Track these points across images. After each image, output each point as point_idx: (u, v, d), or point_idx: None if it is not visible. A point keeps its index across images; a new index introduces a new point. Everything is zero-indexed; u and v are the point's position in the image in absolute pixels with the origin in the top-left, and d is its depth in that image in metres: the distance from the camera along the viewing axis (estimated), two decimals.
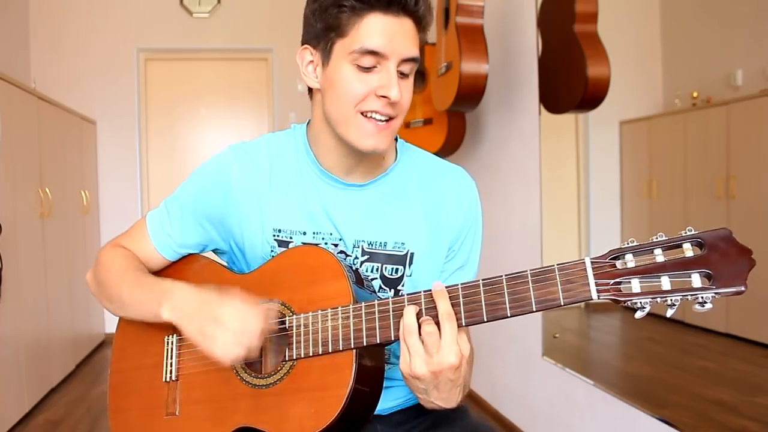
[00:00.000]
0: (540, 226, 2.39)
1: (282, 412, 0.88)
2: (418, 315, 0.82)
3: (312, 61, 0.97)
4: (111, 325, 4.37)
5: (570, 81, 2.07)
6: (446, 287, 0.82)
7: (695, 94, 1.86)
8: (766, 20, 1.63)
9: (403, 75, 0.92)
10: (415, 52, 0.91)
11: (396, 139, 1.08)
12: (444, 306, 0.80)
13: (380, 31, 0.88)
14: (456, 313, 0.80)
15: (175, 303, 0.92)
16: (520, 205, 2.56)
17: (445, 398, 0.85)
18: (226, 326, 0.86)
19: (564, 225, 2.44)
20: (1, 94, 2.68)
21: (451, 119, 2.77)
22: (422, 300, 0.83)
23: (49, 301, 3.22)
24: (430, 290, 0.83)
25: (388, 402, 1.03)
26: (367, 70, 0.90)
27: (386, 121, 0.92)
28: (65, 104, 3.70)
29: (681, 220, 1.97)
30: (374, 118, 0.91)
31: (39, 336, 3.05)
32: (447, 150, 2.85)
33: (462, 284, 0.81)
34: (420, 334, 0.80)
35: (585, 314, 2.53)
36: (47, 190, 3.17)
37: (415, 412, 1.06)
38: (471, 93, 2.36)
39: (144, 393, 1.02)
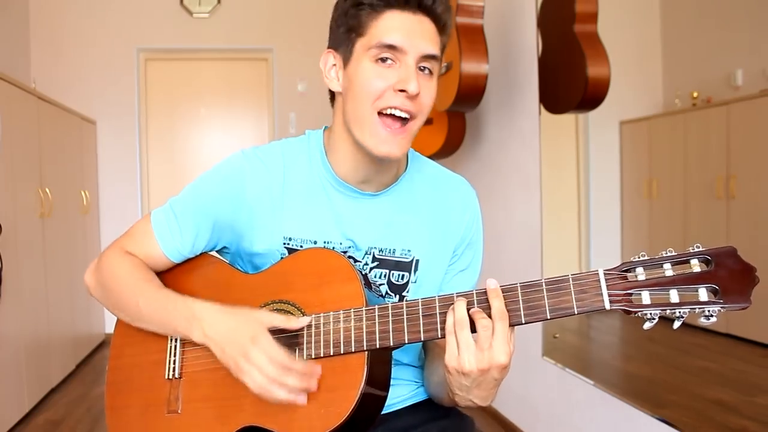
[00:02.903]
0: (540, 226, 2.39)
1: (290, 411, 0.87)
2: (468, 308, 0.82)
3: (335, 65, 0.98)
4: (111, 325, 4.32)
5: (570, 81, 2.07)
6: (459, 294, 0.83)
7: (695, 94, 1.86)
8: (766, 20, 1.63)
9: (423, 72, 0.93)
10: (433, 49, 0.92)
11: None
12: (498, 305, 0.80)
13: (398, 27, 0.90)
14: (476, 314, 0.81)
15: (206, 328, 0.91)
16: (521, 205, 2.56)
17: (484, 396, 0.85)
18: (259, 366, 0.86)
19: (564, 225, 2.44)
20: (1, 94, 2.68)
21: (451, 119, 2.77)
22: (437, 303, 0.84)
23: (49, 301, 3.22)
24: (451, 294, 0.83)
25: (389, 400, 1.03)
26: (386, 65, 0.91)
27: (403, 122, 0.92)
28: (65, 104, 3.69)
29: (681, 221, 1.97)
30: (392, 115, 0.91)
31: (39, 336, 3.05)
32: (447, 150, 2.85)
33: (476, 290, 0.83)
34: (472, 329, 0.80)
35: (585, 315, 2.52)
36: (47, 190, 3.17)
37: (416, 414, 1.06)
38: (471, 93, 2.36)
39: (144, 390, 1.01)
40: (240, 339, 0.88)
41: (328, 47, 0.99)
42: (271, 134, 4.69)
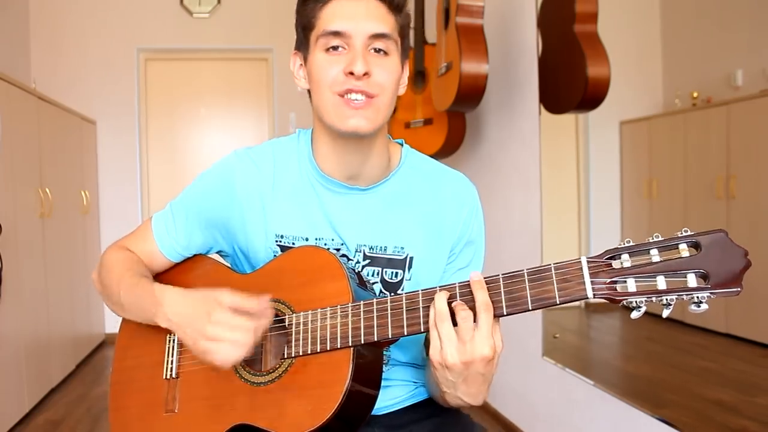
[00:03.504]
0: (540, 227, 2.39)
1: (279, 409, 0.88)
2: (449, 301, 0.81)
3: (301, 65, 1.01)
4: (111, 325, 4.37)
5: (570, 81, 2.07)
6: (441, 287, 0.83)
7: (695, 94, 1.86)
8: (766, 20, 1.63)
9: (378, 53, 0.93)
10: (382, 28, 0.92)
11: (402, 144, 1.08)
12: (482, 296, 0.79)
13: (341, 13, 0.92)
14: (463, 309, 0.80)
15: (168, 312, 0.93)
16: (521, 205, 2.56)
17: (473, 393, 0.85)
18: (219, 337, 0.86)
19: (564, 225, 2.44)
20: (1, 94, 2.68)
21: (451, 119, 2.77)
22: (420, 297, 0.84)
23: (49, 301, 3.22)
24: (434, 288, 0.83)
25: (385, 401, 1.04)
26: (337, 53, 0.92)
27: (365, 101, 0.92)
28: (65, 104, 3.70)
29: (681, 220, 1.97)
30: (350, 99, 0.92)
31: (39, 336, 3.05)
32: (447, 150, 2.85)
33: (459, 283, 0.82)
34: (454, 321, 0.80)
35: (585, 314, 2.53)
36: (47, 190, 3.17)
37: (413, 413, 1.06)
38: (471, 93, 2.36)
39: (144, 391, 1.02)
40: (197, 319, 0.88)
41: (294, 49, 1.02)
42: (271, 134, 4.69)
